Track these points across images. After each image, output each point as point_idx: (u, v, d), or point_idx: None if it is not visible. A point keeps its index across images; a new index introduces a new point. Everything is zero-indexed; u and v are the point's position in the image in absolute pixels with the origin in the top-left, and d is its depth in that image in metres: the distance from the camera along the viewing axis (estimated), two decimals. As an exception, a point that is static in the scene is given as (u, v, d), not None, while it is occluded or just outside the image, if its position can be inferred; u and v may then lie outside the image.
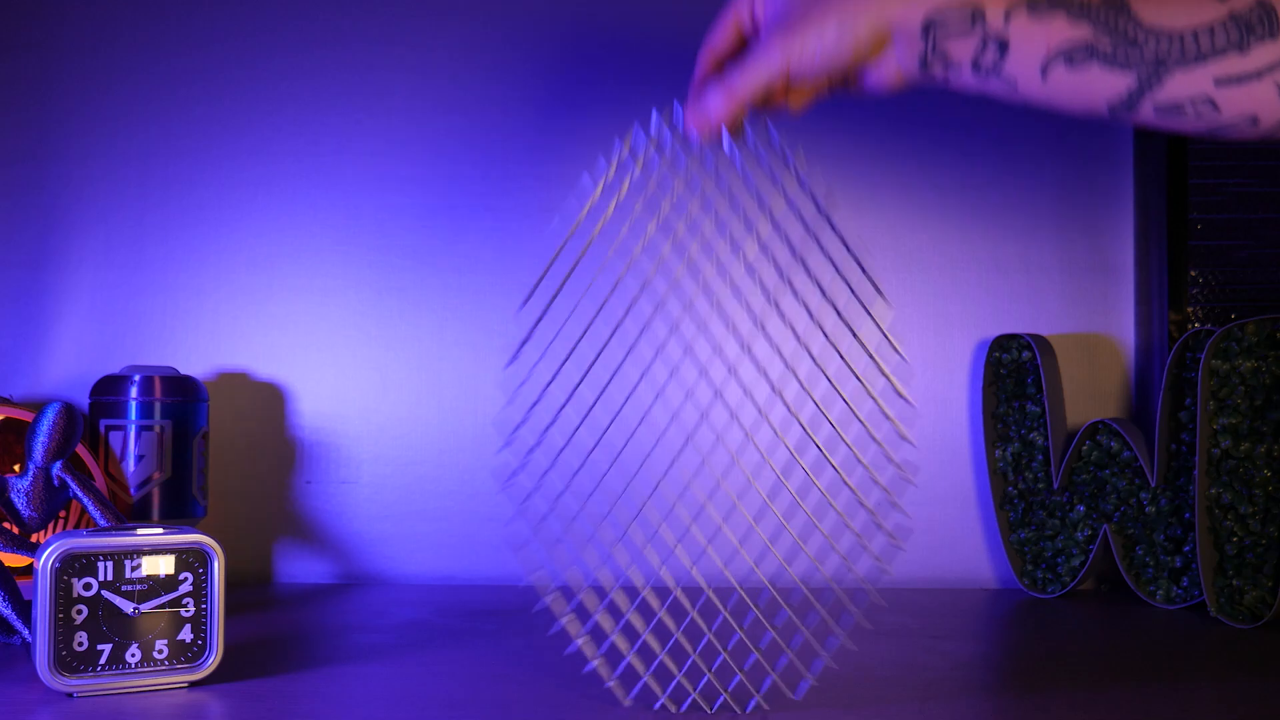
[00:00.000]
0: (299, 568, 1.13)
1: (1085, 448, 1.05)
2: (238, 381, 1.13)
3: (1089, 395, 1.12)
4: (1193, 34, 0.56)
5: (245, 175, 1.14)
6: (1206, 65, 0.56)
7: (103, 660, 0.68)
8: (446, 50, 1.14)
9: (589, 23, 1.15)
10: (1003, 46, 0.58)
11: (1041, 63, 0.58)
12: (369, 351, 1.13)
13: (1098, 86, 0.58)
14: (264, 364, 1.13)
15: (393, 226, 1.14)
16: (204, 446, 1.05)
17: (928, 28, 0.59)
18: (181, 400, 1.03)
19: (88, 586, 0.68)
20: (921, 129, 1.14)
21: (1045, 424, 1.06)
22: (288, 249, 1.13)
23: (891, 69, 0.62)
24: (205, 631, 0.71)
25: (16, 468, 1.03)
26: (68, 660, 0.67)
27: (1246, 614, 0.93)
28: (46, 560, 0.67)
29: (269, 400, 1.13)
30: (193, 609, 0.71)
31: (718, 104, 0.63)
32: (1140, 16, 0.57)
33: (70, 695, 0.68)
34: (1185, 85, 0.56)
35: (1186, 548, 0.99)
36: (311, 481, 1.13)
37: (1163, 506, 1.01)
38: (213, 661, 0.71)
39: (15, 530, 0.83)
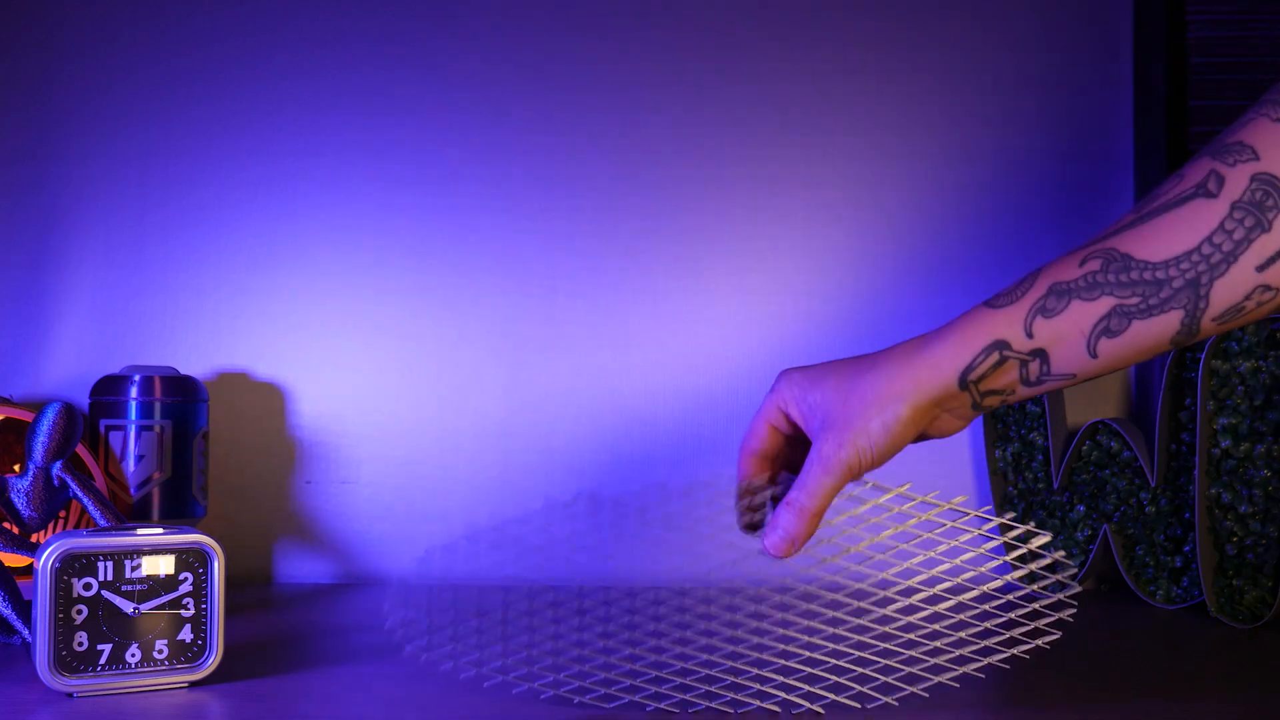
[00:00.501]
0: (299, 568, 1.13)
1: (1085, 448, 1.05)
2: (238, 381, 1.13)
3: (1089, 395, 1.12)
4: (1209, 243, 0.55)
5: (245, 175, 1.14)
6: (1241, 260, 0.55)
7: (103, 660, 0.68)
8: (446, 50, 1.14)
9: (589, 24, 1.15)
10: (1041, 356, 0.59)
11: (1085, 349, 0.58)
12: (368, 351, 1.13)
13: (1149, 336, 0.57)
14: (264, 364, 1.13)
15: (393, 226, 1.14)
16: (204, 446, 1.05)
17: (964, 382, 0.60)
18: (181, 400, 1.03)
19: (88, 586, 0.68)
20: (925, 130, 1.14)
21: (1045, 424, 1.06)
22: (288, 249, 1.13)
23: (950, 423, 0.63)
24: (205, 631, 0.71)
25: (16, 468, 1.03)
26: (68, 660, 0.67)
27: (1246, 614, 0.93)
28: (46, 560, 0.67)
29: (269, 400, 1.13)
30: (193, 609, 0.71)
31: (793, 526, 0.62)
32: (1147, 258, 0.56)
33: (70, 695, 0.68)
34: (1232, 288, 0.55)
35: (1186, 548, 0.99)
36: (311, 481, 1.13)
37: (1163, 506, 1.01)
38: (213, 661, 0.71)
39: (15, 530, 0.83)
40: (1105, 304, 0.57)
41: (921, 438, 0.63)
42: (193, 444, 1.03)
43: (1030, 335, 0.58)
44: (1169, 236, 0.56)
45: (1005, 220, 1.14)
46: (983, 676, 0.68)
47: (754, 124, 1.14)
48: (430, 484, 1.13)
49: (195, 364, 1.11)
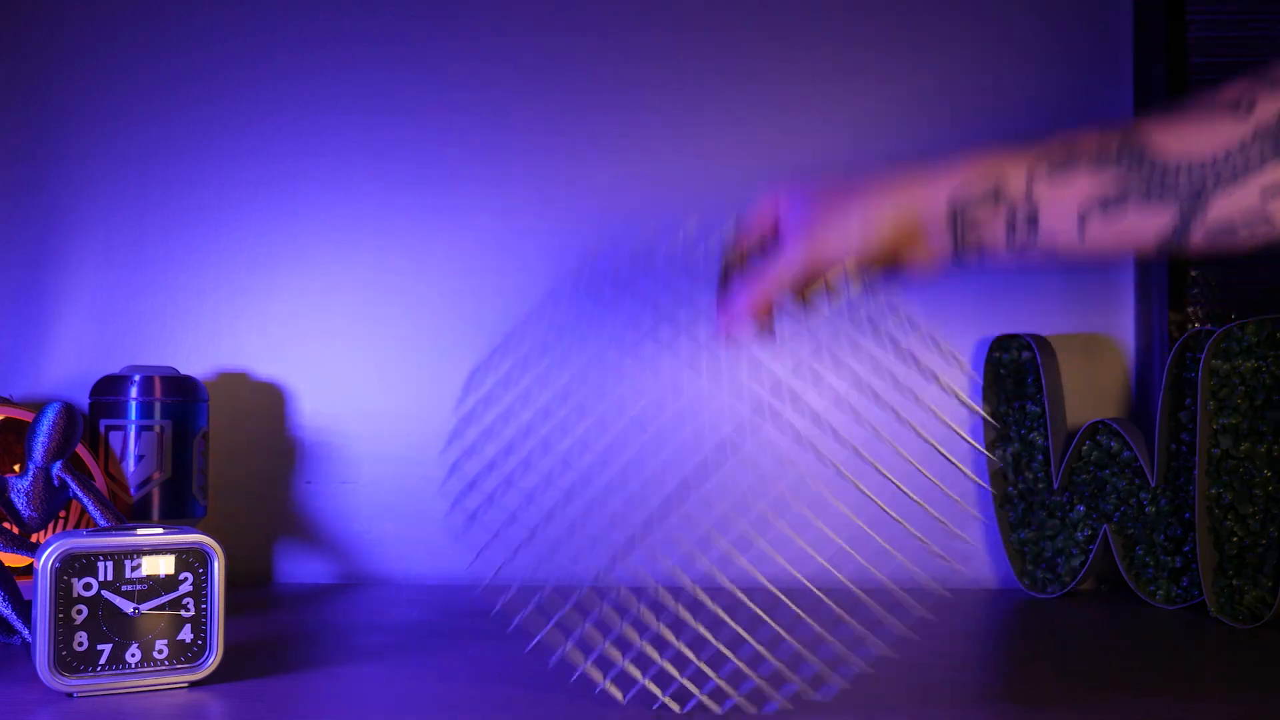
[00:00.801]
0: (299, 568, 1.13)
1: (1085, 448, 1.05)
2: (238, 381, 1.13)
3: (1089, 395, 1.12)
4: (1223, 156, 0.55)
5: (245, 175, 1.14)
6: (1248, 181, 0.55)
7: (103, 660, 0.68)
8: (446, 50, 1.14)
9: (589, 24, 1.15)
10: (1031, 215, 0.58)
11: (1075, 220, 0.58)
12: (369, 351, 1.13)
13: (1139, 227, 0.57)
14: (264, 364, 1.13)
15: (393, 226, 1.14)
16: (204, 446, 1.05)
17: (954, 215, 0.60)
18: (181, 400, 1.03)
19: (88, 586, 0.68)
20: (924, 128, 1.14)
21: (1045, 424, 1.06)
22: (288, 249, 1.13)
23: (925, 254, 0.62)
24: (205, 631, 0.71)
25: (16, 468, 1.03)
26: (68, 660, 0.67)
27: (1246, 614, 0.93)
28: (46, 560, 0.67)
29: (269, 400, 1.13)
30: (193, 609, 0.71)
31: (744, 301, 0.63)
32: (1163, 151, 0.56)
33: (70, 695, 0.68)
34: (1232, 203, 0.55)
35: (1186, 548, 0.99)
36: (311, 481, 1.13)
37: (1163, 506, 1.01)
38: (213, 661, 0.71)
39: (15, 530, 0.83)
40: (1110, 181, 0.57)
41: (891, 267, 0.63)
42: (193, 444, 1.03)
43: (1029, 190, 0.58)
44: (1190, 138, 0.56)
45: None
46: (981, 674, 0.68)
47: (754, 124, 1.14)
48: (430, 484, 1.13)
49: (195, 364, 1.11)
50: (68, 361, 1.12)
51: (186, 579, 0.70)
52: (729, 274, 0.67)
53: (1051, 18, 1.14)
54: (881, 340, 0.66)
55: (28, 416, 0.92)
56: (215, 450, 1.09)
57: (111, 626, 0.68)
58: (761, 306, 0.63)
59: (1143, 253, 0.58)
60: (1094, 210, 0.57)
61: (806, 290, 0.63)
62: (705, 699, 0.66)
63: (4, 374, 1.12)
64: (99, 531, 0.69)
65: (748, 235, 0.67)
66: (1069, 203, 0.58)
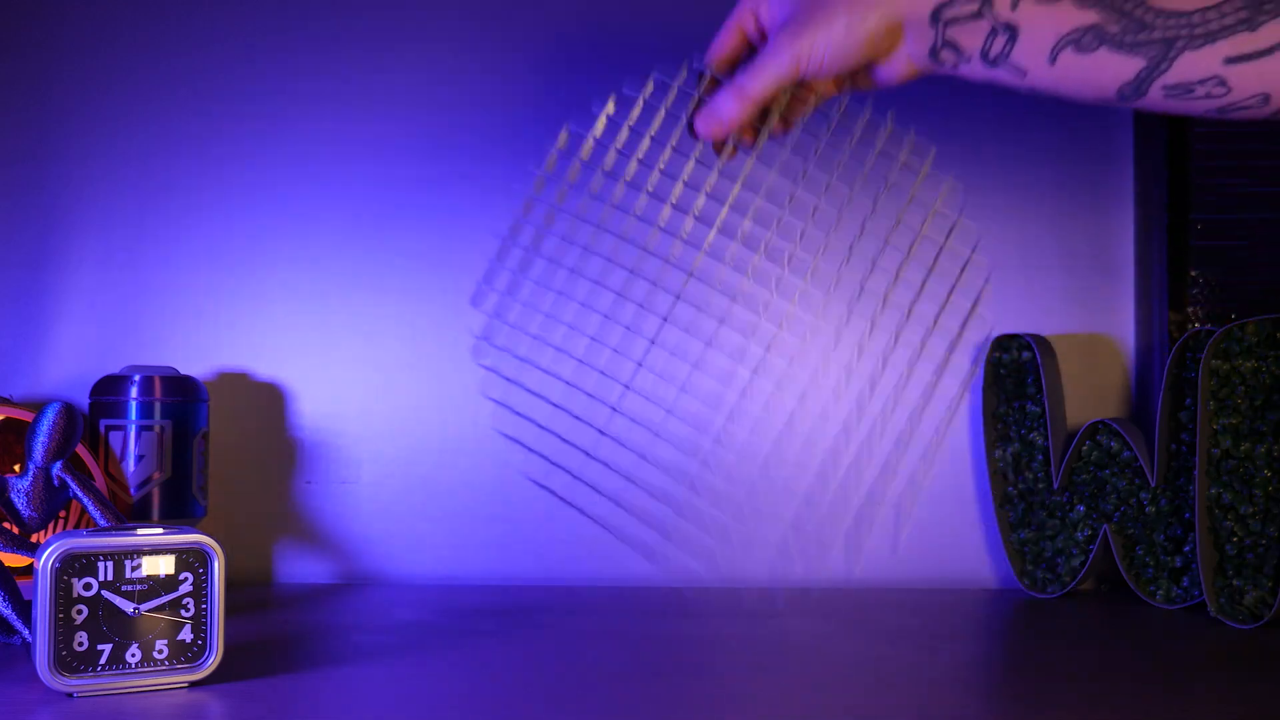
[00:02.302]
0: (299, 568, 1.13)
1: (1085, 448, 1.05)
2: (238, 381, 1.13)
3: (1089, 395, 1.12)
4: (1201, 14, 0.56)
5: (245, 175, 1.14)
6: (1216, 44, 0.55)
7: (103, 660, 0.68)
8: (447, 49, 1.14)
9: (591, 22, 1.15)
10: (1012, 34, 0.59)
11: (1050, 49, 0.58)
12: (369, 351, 1.13)
13: (1107, 71, 0.58)
14: (264, 364, 1.13)
15: (393, 226, 1.14)
16: (204, 446, 1.05)
17: (936, 18, 0.60)
18: (181, 400, 1.03)
19: (88, 586, 0.68)
20: (923, 127, 1.14)
21: (1045, 424, 1.06)
22: (288, 249, 1.13)
23: (902, 62, 0.62)
24: (205, 631, 0.71)
25: (16, 468, 1.03)
26: (68, 660, 0.67)
27: (1246, 614, 0.93)
28: (46, 560, 0.67)
29: (269, 400, 1.13)
30: (193, 609, 0.71)
31: (729, 107, 0.63)
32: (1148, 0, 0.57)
33: (70, 695, 0.68)
34: (1196, 66, 0.56)
35: (1186, 548, 0.99)
36: (311, 481, 1.13)
37: (1163, 506, 1.01)
38: (213, 661, 0.71)
39: (15, 530, 0.83)
40: (1090, 17, 0.57)
41: (862, 78, 0.63)
42: (193, 444, 1.03)
43: (1014, 8, 0.59)
44: None
45: (1005, 220, 1.14)
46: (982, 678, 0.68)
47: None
48: (430, 484, 1.13)
49: (195, 364, 1.11)
50: (68, 361, 1.12)
51: (186, 579, 0.70)
52: (714, 79, 0.67)
53: None
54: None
55: (28, 416, 0.92)
56: (215, 450, 1.09)
57: (111, 626, 0.68)
58: (747, 109, 0.63)
59: (1102, 99, 0.59)
60: (1070, 43, 0.58)
61: (791, 97, 0.63)
62: None
63: (4, 374, 1.12)
64: (99, 531, 0.69)
65: (729, 36, 0.66)
66: (1049, 29, 0.58)
